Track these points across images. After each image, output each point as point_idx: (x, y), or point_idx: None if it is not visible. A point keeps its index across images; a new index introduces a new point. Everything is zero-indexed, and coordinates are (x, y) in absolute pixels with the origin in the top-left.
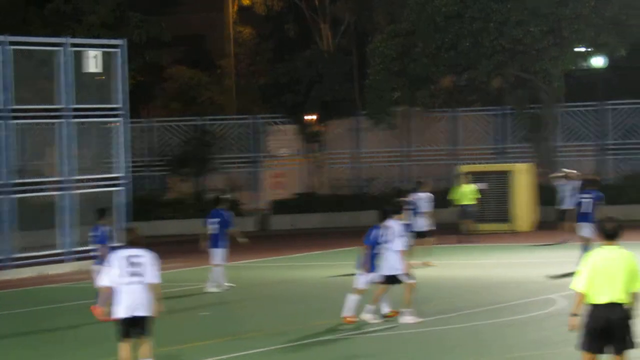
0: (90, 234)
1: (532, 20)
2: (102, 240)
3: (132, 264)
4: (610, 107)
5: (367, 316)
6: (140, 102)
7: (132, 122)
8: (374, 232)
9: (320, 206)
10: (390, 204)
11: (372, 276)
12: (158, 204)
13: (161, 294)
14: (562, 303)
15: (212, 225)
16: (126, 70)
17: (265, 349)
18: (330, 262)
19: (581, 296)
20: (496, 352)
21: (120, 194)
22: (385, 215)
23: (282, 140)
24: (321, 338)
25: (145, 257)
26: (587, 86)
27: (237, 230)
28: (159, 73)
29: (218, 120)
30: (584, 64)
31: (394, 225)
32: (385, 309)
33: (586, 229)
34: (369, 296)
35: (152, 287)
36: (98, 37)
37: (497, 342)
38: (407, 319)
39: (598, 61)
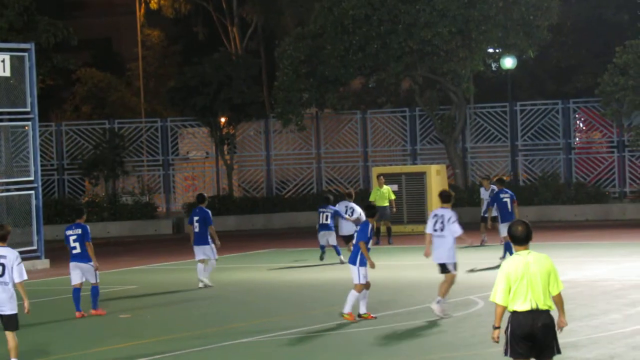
0: (69, 232)
1: (441, 22)
2: (88, 237)
3: None
4: (519, 107)
5: (435, 307)
6: (50, 106)
7: (42, 126)
8: (369, 228)
9: (234, 208)
10: (442, 193)
11: (365, 271)
12: (71, 207)
13: (25, 291)
14: (482, 304)
15: (196, 223)
16: (35, 74)
17: (185, 351)
18: (247, 265)
19: (501, 308)
20: (412, 353)
21: (32, 198)
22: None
23: (193, 142)
24: (237, 340)
25: (8, 257)
26: (497, 87)
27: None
28: (68, 77)
29: (127, 123)
30: (494, 65)
31: (445, 213)
32: (362, 309)
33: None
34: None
35: (18, 286)
36: (6, 41)
37: (413, 344)
38: (437, 307)
39: (508, 62)
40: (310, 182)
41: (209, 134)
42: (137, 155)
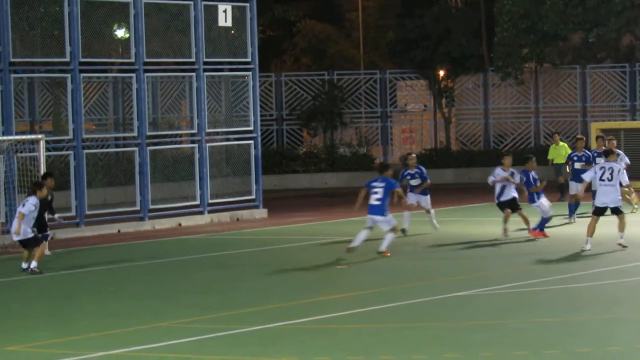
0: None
1: None
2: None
3: None
4: None
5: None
6: (270, 57)
7: (262, 77)
8: None
9: (451, 161)
10: None
11: None
12: (289, 157)
13: None
14: None
15: (412, 181)
16: (256, 24)
17: (391, 304)
18: (462, 218)
19: None
20: (629, 311)
21: (251, 147)
22: None
23: (411, 95)
24: (446, 294)
25: None
26: None
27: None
28: (287, 28)
29: (346, 74)
30: None
31: None
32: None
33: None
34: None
35: None
36: None
37: (631, 302)
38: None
39: None
40: (528, 136)
41: (427, 86)
42: (355, 107)
